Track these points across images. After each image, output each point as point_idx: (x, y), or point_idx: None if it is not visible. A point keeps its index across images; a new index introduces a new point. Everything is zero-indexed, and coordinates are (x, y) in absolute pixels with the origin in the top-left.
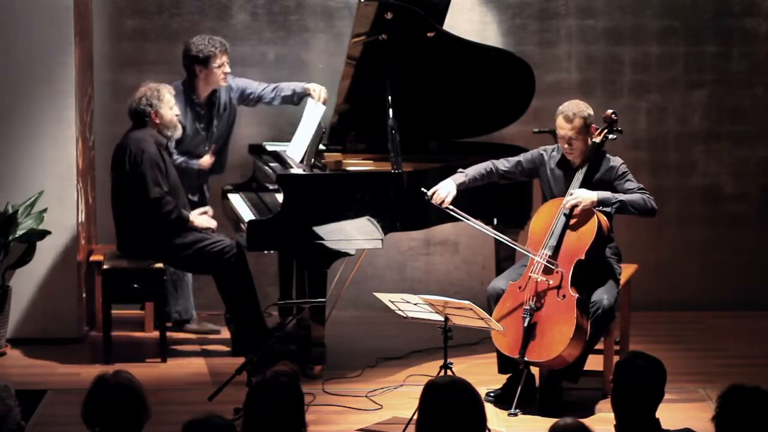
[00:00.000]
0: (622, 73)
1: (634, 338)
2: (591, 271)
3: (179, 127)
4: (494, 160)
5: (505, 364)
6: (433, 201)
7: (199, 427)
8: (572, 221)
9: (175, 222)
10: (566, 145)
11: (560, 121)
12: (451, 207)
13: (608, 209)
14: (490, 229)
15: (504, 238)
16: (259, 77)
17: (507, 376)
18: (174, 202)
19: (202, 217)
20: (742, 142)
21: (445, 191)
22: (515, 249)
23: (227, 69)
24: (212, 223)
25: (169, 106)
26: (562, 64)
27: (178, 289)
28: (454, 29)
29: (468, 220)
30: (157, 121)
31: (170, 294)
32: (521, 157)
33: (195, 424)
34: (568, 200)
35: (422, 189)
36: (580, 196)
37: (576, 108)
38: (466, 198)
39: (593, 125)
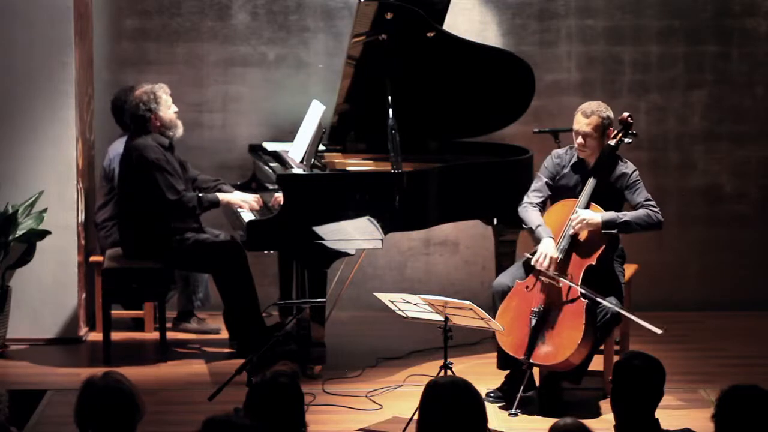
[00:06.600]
0: (622, 73)
1: (634, 338)
2: (599, 276)
3: (180, 124)
4: (528, 197)
5: (504, 360)
6: (537, 267)
7: (220, 426)
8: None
9: (206, 209)
10: (580, 140)
11: (578, 116)
12: (556, 273)
13: (613, 231)
14: (596, 294)
15: (603, 299)
16: (259, 77)
17: (506, 375)
18: (194, 196)
19: (237, 194)
20: (742, 142)
21: (547, 259)
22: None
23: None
24: (250, 199)
25: (167, 106)
26: (562, 64)
27: (191, 278)
28: (454, 29)
29: (578, 287)
30: (158, 124)
31: (186, 285)
32: (544, 178)
33: (215, 423)
34: (573, 226)
35: (526, 254)
36: (585, 219)
37: (596, 107)
38: (465, 199)
39: (612, 128)
